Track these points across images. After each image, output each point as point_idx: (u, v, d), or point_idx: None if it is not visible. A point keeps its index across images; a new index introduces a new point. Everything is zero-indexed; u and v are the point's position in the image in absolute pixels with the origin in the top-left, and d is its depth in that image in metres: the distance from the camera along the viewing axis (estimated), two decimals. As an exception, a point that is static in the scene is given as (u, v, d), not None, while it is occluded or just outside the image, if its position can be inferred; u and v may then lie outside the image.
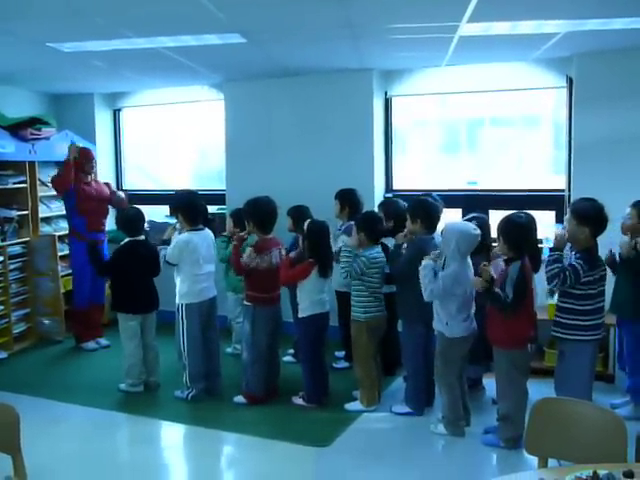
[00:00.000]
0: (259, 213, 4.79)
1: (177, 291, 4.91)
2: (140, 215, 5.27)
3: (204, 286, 4.92)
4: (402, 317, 4.62)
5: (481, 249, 4.33)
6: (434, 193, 5.16)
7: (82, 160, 6.24)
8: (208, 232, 5.05)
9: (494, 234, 4.59)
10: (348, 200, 5.39)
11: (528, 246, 3.97)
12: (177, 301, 4.90)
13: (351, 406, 4.69)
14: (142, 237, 5.21)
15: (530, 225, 4.01)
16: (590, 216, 3.89)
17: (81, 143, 6.83)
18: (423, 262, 4.12)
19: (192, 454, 4.48)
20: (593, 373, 4.05)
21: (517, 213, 4.01)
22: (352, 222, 5.21)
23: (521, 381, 3.95)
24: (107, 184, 6.64)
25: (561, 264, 3.88)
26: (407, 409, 4.58)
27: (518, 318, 3.81)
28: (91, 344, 6.28)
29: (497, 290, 3.85)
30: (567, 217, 4.06)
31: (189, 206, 4.96)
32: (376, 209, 5.32)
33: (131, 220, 5.21)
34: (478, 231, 4.11)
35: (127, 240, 5.16)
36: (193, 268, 4.83)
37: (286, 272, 4.68)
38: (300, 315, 4.73)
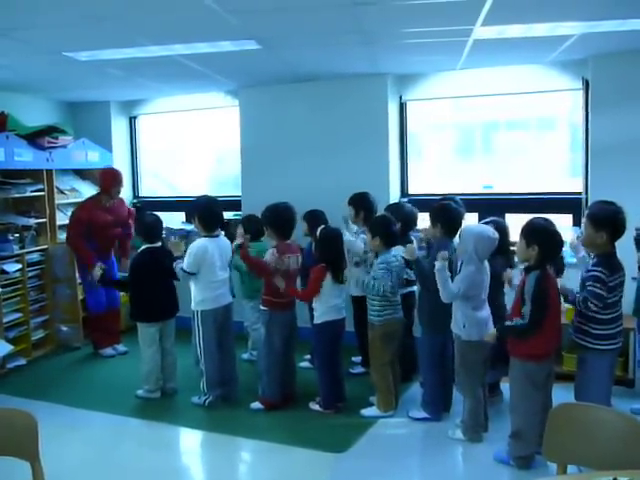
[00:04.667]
0: (277, 219, 4.82)
1: (192, 298, 4.92)
2: (158, 222, 5.28)
3: (219, 293, 4.91)
4: (422, 323, 4.60)
5: (500, 251, 4.29)
6: (457, 197, 5.16)
7: (110, 182, 6.24)
8: (223, 239, 5.06)
9: (514, 237, 4.58)
10: (362, 204, 5.35)
11: (556, 256, 3.88)
12: (193, 308, 4.91)
13: (368, 412, 4.67)
14: (159, 244, 5.23)
15: (560, 235, 3.85)
16: (607, 219, 3.77)
17: (97, 152, 6.91)
18: (436, 265, 4.09)
19: (209, 460, 4.49)
20: (613, 380, 3.97)
21: (545, 219, 3.91)
22: None
23: (535, 396, 3.77)
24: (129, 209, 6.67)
25: (582, 298, 3.79)
26: (424, 414, 4.55)
27: (540, 332, 3.69)
28: (109, 350, 6.30)
29: (507, 323, 3.82)
30: (584, 221, 3.98)
31: (205, 212, 4.94)
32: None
33: (149, 227, 5.22)
34: (496, 235, 4.06)
35: (144, 247, 5.18)
36: (208, 275, 4.82)
37: (304, 291, 4.74)
38: (315, 321, 4.73)
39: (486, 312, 4.14)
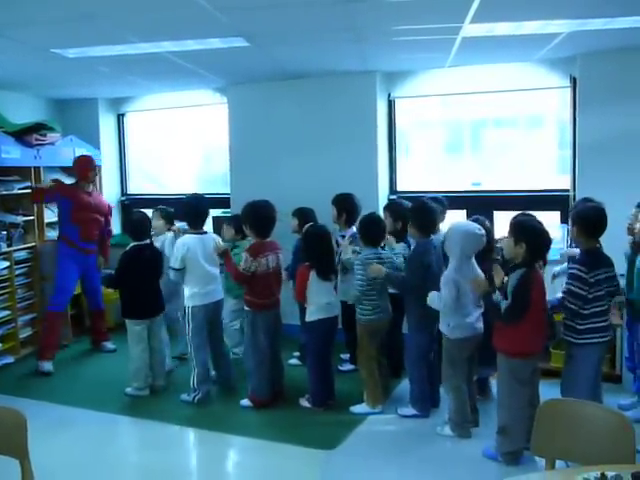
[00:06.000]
0: (256, 217, 4.79)
1: (185, 294, 4.96)
2: (145, 219, 5.27)
3: (210, 288, 4.93)
4: (409, 322, 4.64)
5: (485, 251, 4.32)
6: (439, 195, 5.19)
7: (85, 167, 6.11)
8: (211, 235, 5.08)
9: (498, 235, 4.63)
10: (345, 206, 5.30)
11: (543, 254, 3.90)
12: (184, 304, 4.96)
13: (357, 408, 4.69)
14: (147, 241, 5.21)
15: (548, 233, 3.87)
16: (588, 218, 3.86)
17: (85, 149, 6.87)
18: (429, 297, 4.18)
19: (199, 457, 4.50)
20: (600, 374, 3.99)
21: (532, 217, 3.94)
22: (355, 230, 5.22)
23: (521, 392, 3.79)
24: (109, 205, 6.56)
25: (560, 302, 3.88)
26: (413, 411, 4.58)
27: (522, 328, 3.70)
28: (47, 365, 5.76)
29: (495, 296, 3.82)
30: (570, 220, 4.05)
31: (190, 210, 5.01)
32: (381, 213, 5.27)
33: (136, 224, 5.21)
34: (483, 232, 4.11)
35: (131, 245, 5.16)
36: (194, 270, 4.85)
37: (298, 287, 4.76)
38: (307, 319, 4.74)
39: (474, 313, 4.14)
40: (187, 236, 4.94)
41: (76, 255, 6.05)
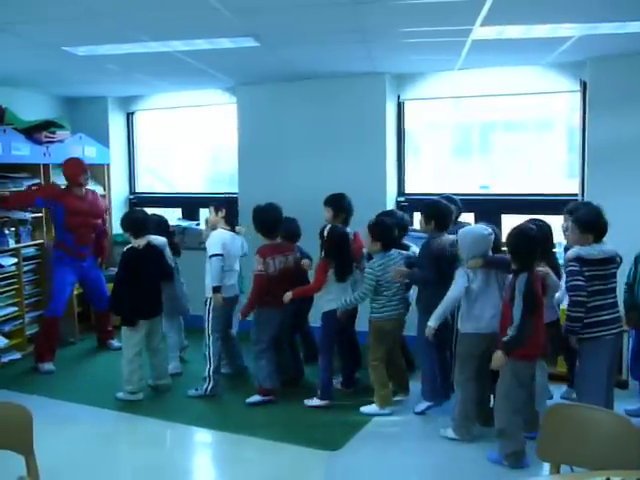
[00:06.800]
0: (262, 220, 4.95)
1: (206, 285, 5.07)
2: (147, 218, 5.22)
3: (232, 283, 5.16)
4: (419, 310, 4.65)
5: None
6: (453, 196, 5.19)
7: (76, 172, 5.92)
8: (237, 236, 5.26)
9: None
10: (342, 207, 5.14)
11: (535, 259, 3.88)
12: (206, 295, 5.07)
13: (366, 409, 4.69)
14: (146, 241, 5.07)
15: (538, 238, 3.89)
16: (592, 223, 3.93)
17: (94, 147, 6.90)
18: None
19: (203, 456, 4.52)
20: (613, 376, 4.00)
21: (528, 224, 3.97)
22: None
23: (519, 394, 3.83)
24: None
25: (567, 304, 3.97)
26: (426, 404, 4.63)
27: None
28: (47, 366, 5.74)
29: (505, 339, 3.77)
30: (570, 224, 4.08)
31: (232, 209, 5.40)
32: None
33: (136, 223, 5.09)
34: (489, 230, 4.15)
35: (129, 246, 5.06)
36: (225, 261, 5.04)
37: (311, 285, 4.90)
38: (323, 309, 4.82)
39: (488, 311, 4.11)
40: (222, 230, 5.16)
41: (72, 261, 5.93)
